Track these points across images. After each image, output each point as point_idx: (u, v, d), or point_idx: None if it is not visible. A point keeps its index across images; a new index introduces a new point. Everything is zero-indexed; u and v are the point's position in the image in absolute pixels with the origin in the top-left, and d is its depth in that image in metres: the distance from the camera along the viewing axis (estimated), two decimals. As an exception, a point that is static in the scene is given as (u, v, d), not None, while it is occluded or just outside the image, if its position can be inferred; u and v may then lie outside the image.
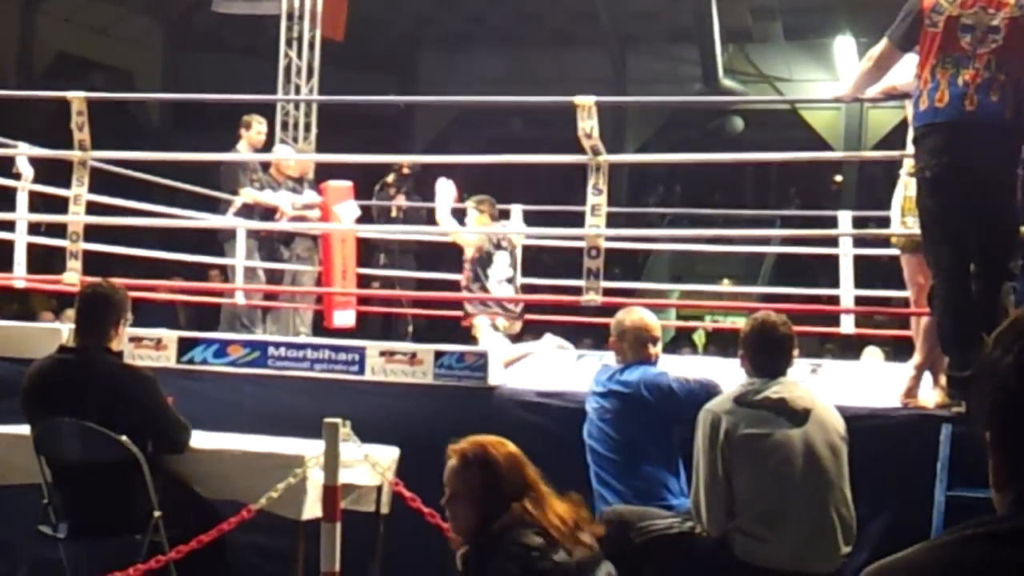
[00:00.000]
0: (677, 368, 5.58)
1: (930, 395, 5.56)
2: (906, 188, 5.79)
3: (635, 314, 5.44)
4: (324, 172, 10.73)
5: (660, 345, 5.45)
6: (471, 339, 8.59)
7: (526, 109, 21.32)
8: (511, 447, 3.74)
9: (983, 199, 5.08)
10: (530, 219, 10.11)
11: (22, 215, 8.39)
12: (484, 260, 8.58)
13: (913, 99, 5.24)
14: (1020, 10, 5.08)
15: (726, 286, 18.05)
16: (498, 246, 8.63)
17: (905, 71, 5.65)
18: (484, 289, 8.50)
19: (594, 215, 6.49)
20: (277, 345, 6.36)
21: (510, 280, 8.67)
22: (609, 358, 5.59)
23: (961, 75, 5.05)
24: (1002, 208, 5.09)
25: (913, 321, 6.07)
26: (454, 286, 9.16)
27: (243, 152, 10.01)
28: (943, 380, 5.42)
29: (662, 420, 5.09)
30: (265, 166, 10.29)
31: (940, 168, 5.05)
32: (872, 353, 10.83)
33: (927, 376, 5.68)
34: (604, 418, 5.16)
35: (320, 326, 10.20)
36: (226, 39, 20.75)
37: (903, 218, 5.86)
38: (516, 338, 8.70)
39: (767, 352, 4.74)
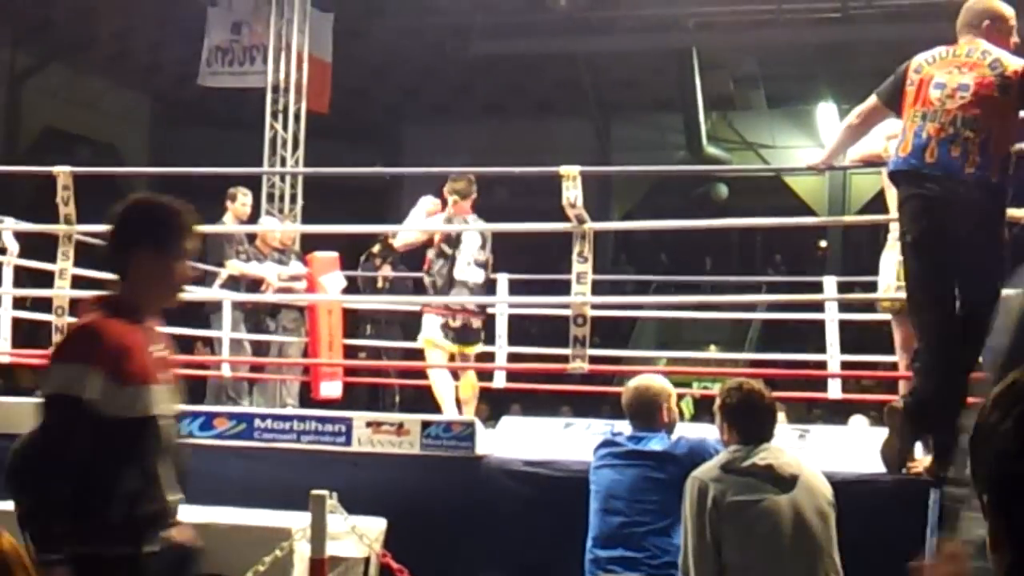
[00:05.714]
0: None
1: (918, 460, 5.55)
2: (900, 252, 5.83)
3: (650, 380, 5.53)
4: (310, 243, 10.75)
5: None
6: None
7: (511, 178, 21.38)
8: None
9: (963, 262, 5.10)
10: (515, 288, 10.11)
11: (7, 290, 8.39)
12: (452, 240, 8.23)
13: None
14: (992, 71, 5.16)
15: (713, 352, 18.05)
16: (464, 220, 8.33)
17: (879, 138, 5.76)
18: (451, 271, 8.17)
19: (580, 283, 6.51)
20: (263, 417, 6.35)
21: (481, 264, 8.32)
22: (598, 426, 5.57)
23: (926, 128, 5.15)
24: (980, 270, 5.08)
25: (902, 385, 6.07)
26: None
27: (229, 224, 10.04)
28: (931, 445, 5.41)
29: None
30: (251, 238, 10.33)
31: (918, 232, 5.12)
32: (858, 422, 10.81)
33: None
34: (643, 486, 5.04)
35: (307, 397, 10.17)
36: (212, 112, 20.82)
37: (899, 282, 5.89)
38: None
39: (751, 419, 4.72)
